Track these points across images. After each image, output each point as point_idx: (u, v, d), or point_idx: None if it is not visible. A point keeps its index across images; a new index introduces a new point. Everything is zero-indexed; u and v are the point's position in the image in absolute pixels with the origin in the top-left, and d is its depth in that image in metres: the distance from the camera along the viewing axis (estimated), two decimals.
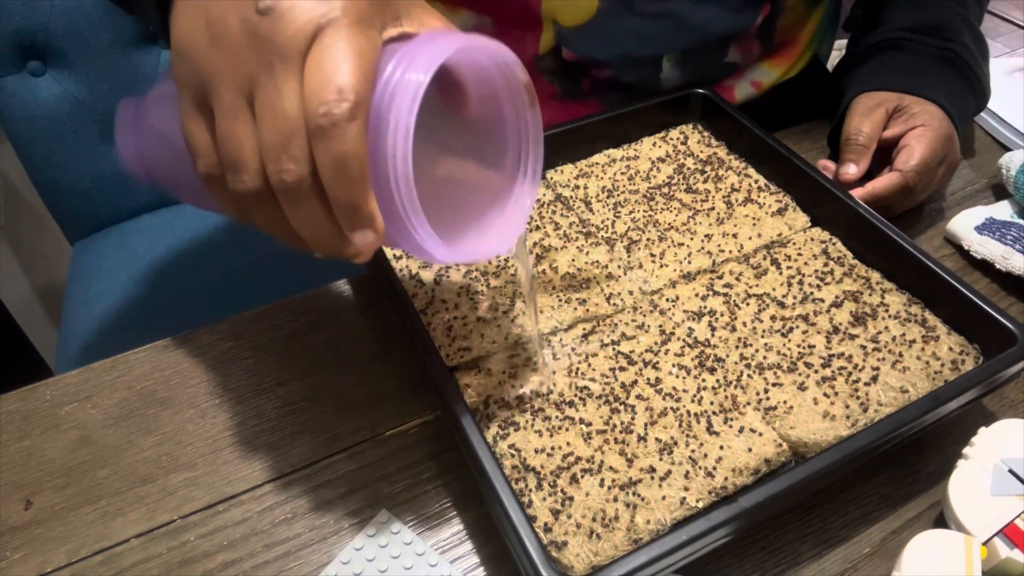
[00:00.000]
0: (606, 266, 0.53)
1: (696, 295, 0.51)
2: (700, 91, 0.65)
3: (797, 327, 0.49)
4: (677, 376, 0.46)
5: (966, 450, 0.44)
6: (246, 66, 0.29)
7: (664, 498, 0.40)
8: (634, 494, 0.40)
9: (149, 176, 0.41)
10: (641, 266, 0.53)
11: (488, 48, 0.33)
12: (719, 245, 0.55)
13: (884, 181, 0.58)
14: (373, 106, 0.30)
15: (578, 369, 0.47)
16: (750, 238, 0.55)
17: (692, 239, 0.55)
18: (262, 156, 0.30)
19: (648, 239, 0.55)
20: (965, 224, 0.60)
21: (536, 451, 0.42)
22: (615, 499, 0.40)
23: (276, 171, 0.30)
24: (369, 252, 0.32)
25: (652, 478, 0.41)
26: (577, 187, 0.60)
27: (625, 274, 0.53)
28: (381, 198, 0.31)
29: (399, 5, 0.32)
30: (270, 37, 0.29)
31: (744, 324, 0.49)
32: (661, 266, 0.53)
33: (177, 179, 0.40)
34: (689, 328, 0.49)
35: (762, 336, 0.49)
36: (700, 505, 0.40)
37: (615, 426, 0.44)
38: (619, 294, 0.51)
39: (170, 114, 0.34)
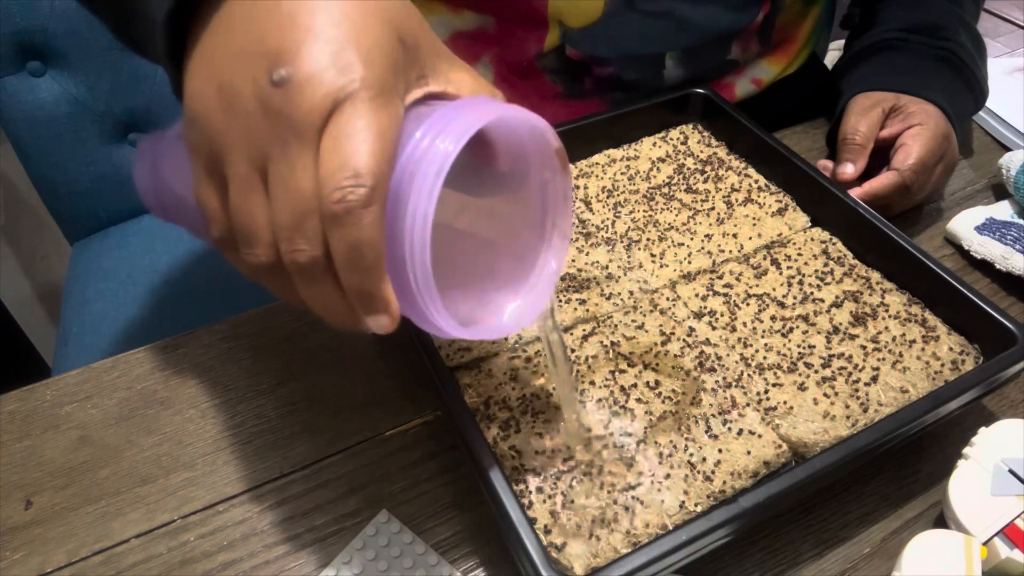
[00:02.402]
0: (606, 266, 0.53)
1: (696, 295, 0.51)
2: (700, 91, 0.65)
3: (797, 327, 0.49)
4: (677, 377, 0.46)
5: (966, 450, 0.44)
6: (259, 139, 0.28)
7: (663, 502, 0.40)
8: (633, 498, 0.40)
9: (165, 215, 0.41)
10: (641, 266, 0.53)
11: (518, 118, 0.31)
12: (719, 245, 0.55)
13: (882, 180, 0.58)
14: (393, 181, 0.28)
15: (578, 372, 0.47)
16: (750, 238, 0.55)
17: (692, 239, 0.55)
18: (275, 233, 0.29)
19: (648, 239, 0.55)
20: (965, 224, 0.60)
21: (536, 453, 0.42)
22: (615, 502, 0.40)
23: (289, 250, 0.28)
24: (385, 332, 0.30)
25: (652, 482, 0.41)
26: (577, 187, 0.60)
27: (625, 274, 0.53)
28: (397, 279, 0.29)
29: (424, 62, 0.31)
30: (285, 112, 0.27)
31: (744, 324, 0.49)
32: (661, 266, 0.53)
33: (192, 225, 0.40)
34: (689, 328, 0.49)
35: (762, 336, 0.49)
36: (699, 509, 0.40)
37: (614, 430, 0.44)
38: (619, 294, 0.51)
39: (185, 163, 0.33)
